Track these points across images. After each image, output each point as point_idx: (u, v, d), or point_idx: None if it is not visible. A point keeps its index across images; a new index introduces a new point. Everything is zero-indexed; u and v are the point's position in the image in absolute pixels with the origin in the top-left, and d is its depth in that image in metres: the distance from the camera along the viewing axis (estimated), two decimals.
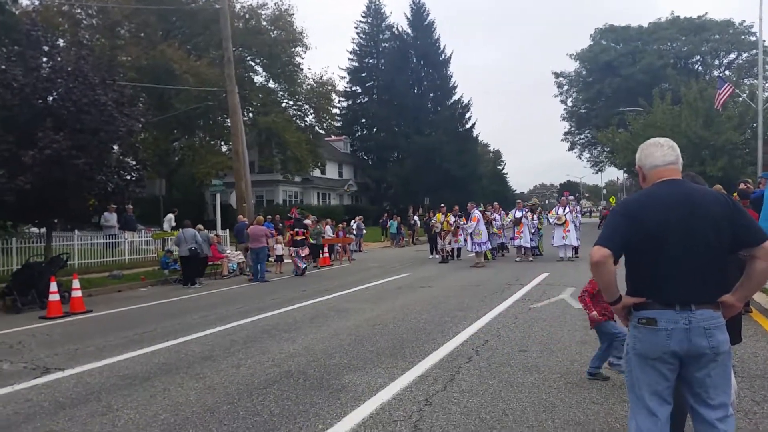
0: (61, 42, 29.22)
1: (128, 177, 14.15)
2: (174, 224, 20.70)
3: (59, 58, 13.07)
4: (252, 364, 6.24)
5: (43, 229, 13.78)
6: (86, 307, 10.75)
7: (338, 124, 54.98)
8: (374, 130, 57.40)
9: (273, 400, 4.95)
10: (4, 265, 14.58)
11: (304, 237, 17.23)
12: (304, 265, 16.74)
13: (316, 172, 48.90)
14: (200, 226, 16.43)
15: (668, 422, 2.76)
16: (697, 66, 58.24)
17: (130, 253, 19.07)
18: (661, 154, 2.89)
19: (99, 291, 13.62)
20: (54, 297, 10.26)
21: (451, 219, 19.22)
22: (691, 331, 2.63)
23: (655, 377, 2.71)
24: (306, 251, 17.39)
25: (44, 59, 13.08)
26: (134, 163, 15.07)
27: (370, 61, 58.69)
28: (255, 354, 6.68)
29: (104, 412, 4.76)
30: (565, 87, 65.64)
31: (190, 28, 40.69)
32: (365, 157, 58.51)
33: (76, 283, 10.84)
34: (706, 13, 58.76)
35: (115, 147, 14.05)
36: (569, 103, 66.02)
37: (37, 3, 34.21)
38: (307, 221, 19.47)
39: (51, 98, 12.44)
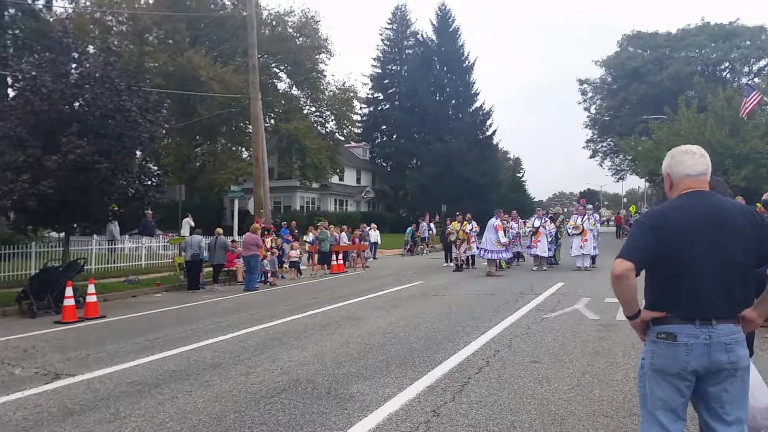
0: (90, 48, 29.88)
1: (149, 182, 14.30)
2: (192, 226, 20.90)
3: (87, 65, 13.29)
4: (261, 372, 6.24)
5: (62, 234, 13.95)
6: (100, 312, 10.78)
7: (358, 131, 55.14)
8: (394, 136, 57.42)
9: (280, 409, 4.94)
10: (23, 269, 14.78)
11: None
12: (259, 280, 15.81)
13: (334, 179, 49.12)
14: (219, 230, 16.51)
15: None
16: (725, 73, 57.25)
17: (147, 258, 19.31)
18: (692, 162, 2.81)
19: (114, 296, 13.73)
20: (69, 302, 10.31)
21: (468, 227, 19.10)
22: (711, 346, 2.58)
23: (671, 393, 2.66)
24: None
25: (73, 65, 13.31)
26: (156, 168, 15.26)
27: (394, 67, 58.81)
28: (264, 362, 6.69)
29: (112, 419, 4.78)
30: (590, 94, 65.15)
31: (218, 35, 41.25)
32: (384, 164, 58.53)
33: (91, 288, 10.91)
34: (738, 19, 57.52)
35: (138, 152, 14.23)
36: (593, 111, 65.48)
37: (70, 10, 35.01)
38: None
39: (77, 104, 12.63)
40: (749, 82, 39.31)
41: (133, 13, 36.74)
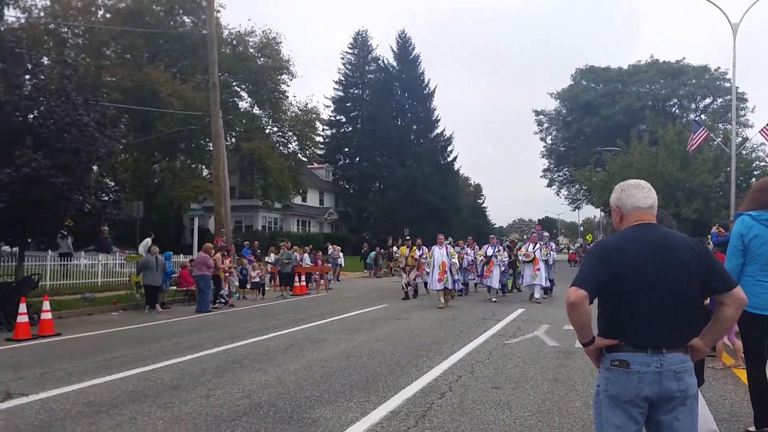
0: (45, 60, 29.16)
1: (106, 198, 13.99)
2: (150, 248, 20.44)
3: (42, 77, 12.99)
4: (221, 394, 6.14)
5: (16, 249, 13.51)
6: (56, 329, 10.52)
7: (321, 152, 55.24)
8: (357, 159, 57.75)
9: None
10: None
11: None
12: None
13: (297, 199, 48.88)
14: (155, 249, 15.93)
15: None
16: (674, 109, 59.83)
17: (103, 276, 18.78)
18: (642, 195, 2.91)
19: (70, 314, 13.35)
20: (23, 318, 10.02)
21: (416, 253, 17.48)
22: (662, 374, 2.65)
23: (625, 420, 2.72)
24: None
25: (27, 77, 13.01)
26: (113, 184, 14.95)
27: (355, 91, 59.36)
28: (225, 384, 6.59)
29: None
30: (545, 125, 66.94)
31: (178, 52, 40.84)
32: (347, 186, 58.70)
33: (46, 305, 10.61)
34: (684, 58, 60.30)
35: (95, 167, 13.94)
36: (549, 141, 67.23)
37: (23, 20, 34.18)
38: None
39: (32, 116, 12.32)
40: (696, 119, 41.14)
41: (89, 26, 36.12)
